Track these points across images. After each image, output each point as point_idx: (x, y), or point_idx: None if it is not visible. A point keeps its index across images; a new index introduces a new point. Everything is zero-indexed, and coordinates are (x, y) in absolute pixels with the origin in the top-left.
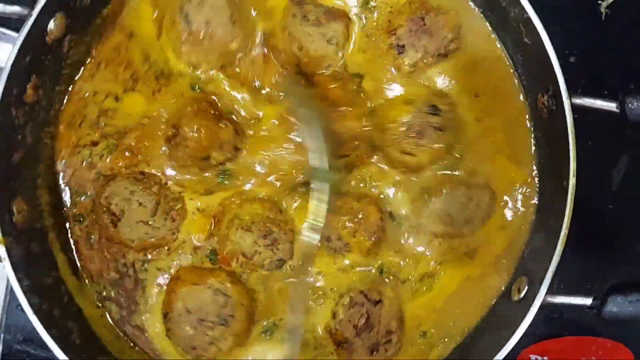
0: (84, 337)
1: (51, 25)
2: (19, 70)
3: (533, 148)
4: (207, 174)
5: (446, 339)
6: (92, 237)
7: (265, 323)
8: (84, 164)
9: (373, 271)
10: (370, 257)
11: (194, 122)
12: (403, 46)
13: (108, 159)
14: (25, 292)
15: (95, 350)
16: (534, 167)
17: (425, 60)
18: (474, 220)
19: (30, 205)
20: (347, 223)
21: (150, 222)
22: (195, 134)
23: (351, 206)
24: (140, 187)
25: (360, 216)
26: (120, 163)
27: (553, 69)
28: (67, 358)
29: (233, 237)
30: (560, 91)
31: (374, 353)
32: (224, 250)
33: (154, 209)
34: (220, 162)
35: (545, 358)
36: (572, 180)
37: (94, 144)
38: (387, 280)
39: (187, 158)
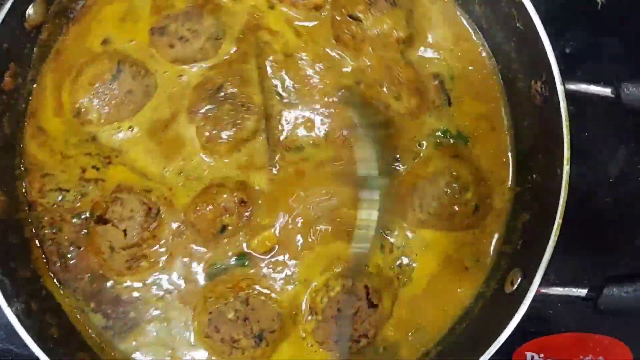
0: (63, 331)
1: (30, 10)
2: None
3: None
4: None
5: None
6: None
7: None
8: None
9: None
10: None
11: None
12: None
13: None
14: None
15: (75, 345)
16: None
17: None
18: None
19: (8, 196)
20: None
21: None
22: None
23: None
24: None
25: None
26: None
27: (546, 54)
28: (45, 356)
29: None
30: (553, 76)
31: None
32: None
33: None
34: None
35: (542, 355)
36: (566, 168)
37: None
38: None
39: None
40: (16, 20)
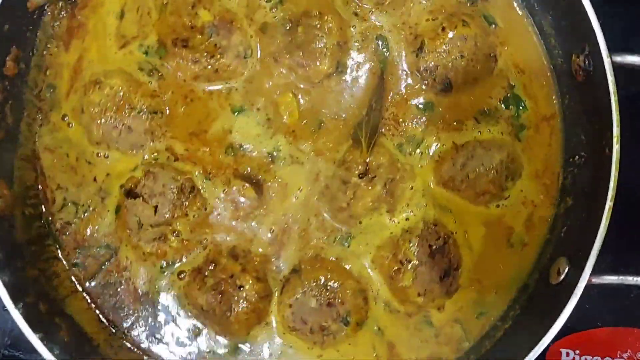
0: (74, 335)
1: None
2: None
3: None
4: None
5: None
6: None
7: None
8: None
9: None
10: None
11: None
12: None
13: None
14: (6, 286)
15: (86, 350)
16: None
17: None
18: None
19: (12, 190)
20: None
21: None
22: None
23: None
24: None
25: None
26: None
27: (589, 22)
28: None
29: None
30: (598, 47)
31: (444, 279)
32: None
33: None
34: None
35: (578, 352)
36: (616, 147)
37: None
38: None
39: None
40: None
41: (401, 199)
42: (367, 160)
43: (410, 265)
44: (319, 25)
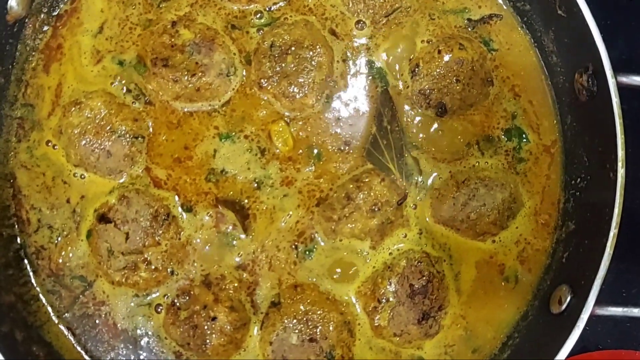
0: None
1: (12, 2)
2: None
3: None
4: None
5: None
6: None
7: None
8: None
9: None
10: None
11: None
12: None
13: None
14: None
15: None
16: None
17: None
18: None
19: None
20: None
21: None
22: None
23: None
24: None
25: None
26: None
27: (593, 41)
28: None
29: None
30: (602, 66)
31: (422, 322)
32: None
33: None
34: None
35: None
36: (621, 171)
37: None
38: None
39: None
40: None
41: (389, 241)
42: (404, 185)
43: (387, 305)
44: (309, 57)
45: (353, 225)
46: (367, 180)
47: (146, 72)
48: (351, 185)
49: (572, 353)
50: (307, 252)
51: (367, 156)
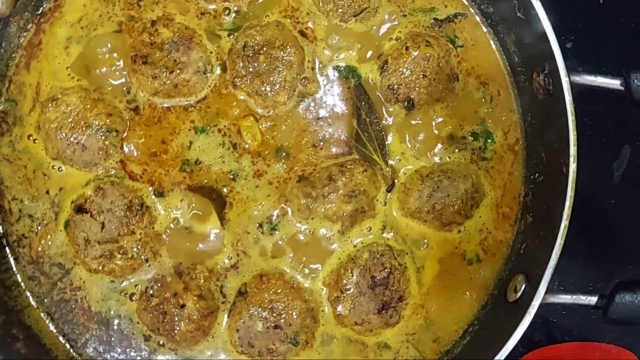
0: (31, 347)
1: None
2: None
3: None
4: None
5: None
6: None
7: None
8: None
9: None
10: None
11: None
12: None
13: None
14: None
15: None
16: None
17: None
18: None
19: None
20: None
21: None
22: None
23: None
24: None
25: None
26: None
27: (549, 42)
28: None
29: None
30: (557, 67)
31: (382, 312)
32: None
33: None
34: None
35: None
36: (573, 166)
37: None
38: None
39: None
40: None
41: (357, 230)
42: (392, 175)
43: (349, 295)
44: (281, 57)
45: (329, 206)
46: (350, 167)
47: (127, 70)
48: (335, 169)
49: (540, 345)
50: (272, 230)
51: (355, 148)
